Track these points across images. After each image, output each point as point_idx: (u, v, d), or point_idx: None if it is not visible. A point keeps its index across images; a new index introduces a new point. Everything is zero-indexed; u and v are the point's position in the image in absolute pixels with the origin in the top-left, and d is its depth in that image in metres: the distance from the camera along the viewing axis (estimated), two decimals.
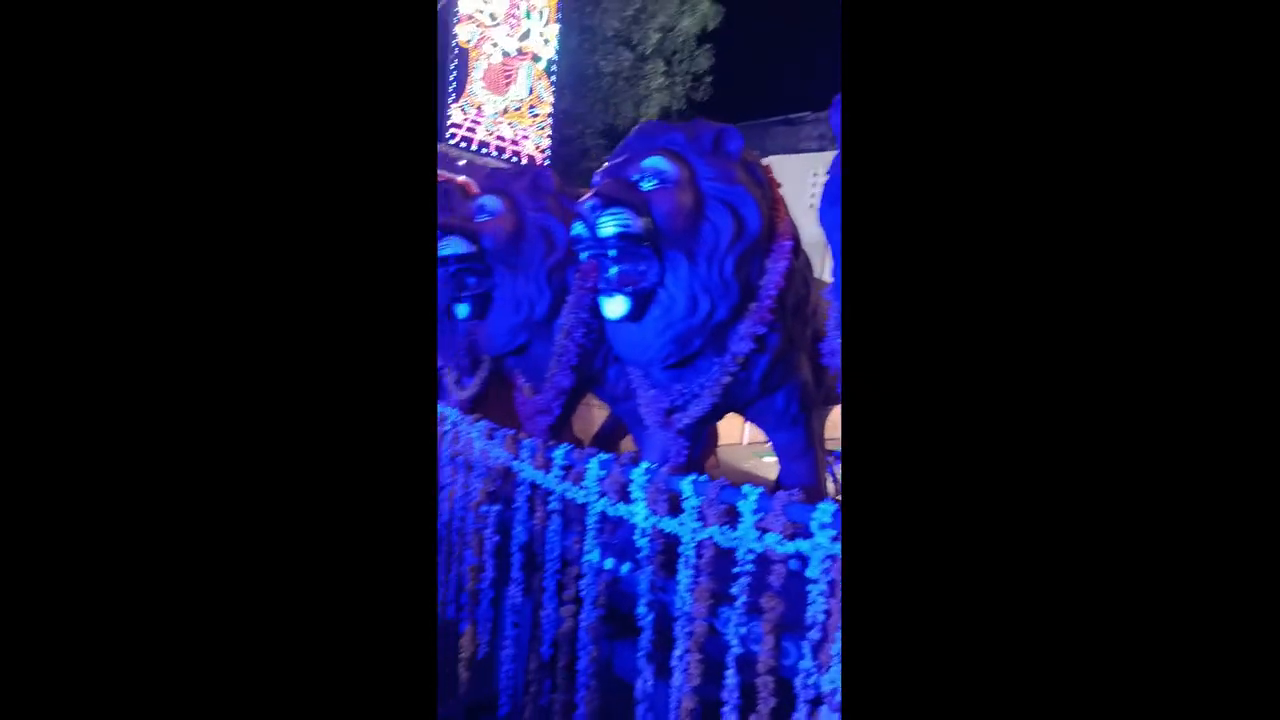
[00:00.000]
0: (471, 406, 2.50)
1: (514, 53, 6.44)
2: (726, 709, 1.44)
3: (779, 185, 1.54)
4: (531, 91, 6.57)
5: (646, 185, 1.41)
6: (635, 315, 1.43)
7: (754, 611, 1.41)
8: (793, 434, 1.64)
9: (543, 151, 6.69)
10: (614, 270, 1.45)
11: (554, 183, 1.94)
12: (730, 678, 1.43)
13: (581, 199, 1.40)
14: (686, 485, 1.52)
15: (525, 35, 6.49)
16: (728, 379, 1.48)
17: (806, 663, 1.28)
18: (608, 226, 1.34)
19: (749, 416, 1.69)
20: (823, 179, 1.39)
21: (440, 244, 1.84)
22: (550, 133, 6.76)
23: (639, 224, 1.36)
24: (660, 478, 1.58)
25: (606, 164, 1.51)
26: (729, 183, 1.41)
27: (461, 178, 2.52)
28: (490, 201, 1.89)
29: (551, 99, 6.74)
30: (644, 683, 1.59)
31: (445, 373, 2.63)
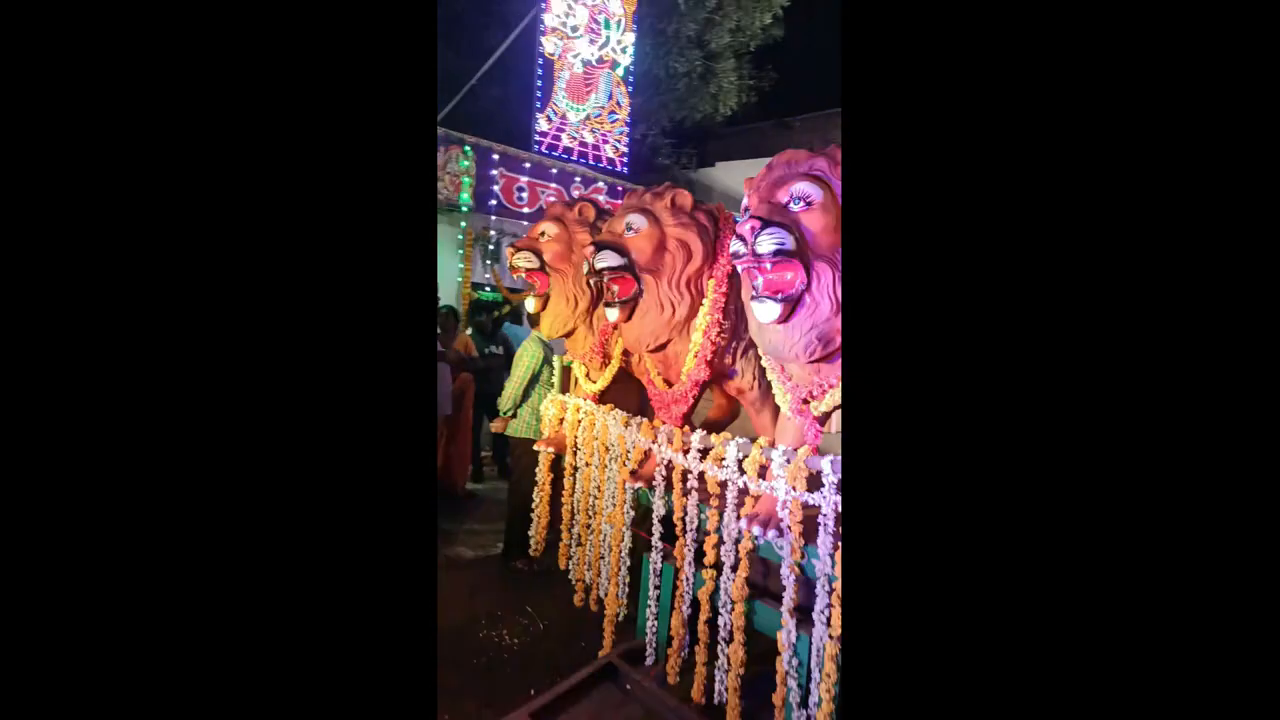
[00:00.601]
0: (600, 398, 2.81)
1: (594, 61, 6.74)
2: None
3: None
4: (611, 98, 6.87)
5: (795, 207, 1.65)
6: (783, 319, 1.68)
7: None
8: None
9: (621, 155, 6.98)
10: (759, 280, 1.69)
11: (689, 201, 2.20)
12: None
13: (741, 221, 1.65)
14: (826, 464, 1.76)
15: (605, 44, 6.79)
16: None
17: None
18: (765, 245, 1.59)
19: None
20: None
21: (596, 257, 2.13)
22: (629, 136, 7.05)
23: (790, 241, 1.60)
24: (799, 458, 1.83)
25: (757, 187, 1.75)
26: None
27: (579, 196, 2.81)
28: (636, 219, 2.17)
29: (629, 104, 7.02)
30: (788, 634, 1.84)
31: (574, 368, 2.95)
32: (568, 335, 2.72)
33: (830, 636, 1.74)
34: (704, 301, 2.17)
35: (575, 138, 6.63)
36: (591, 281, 2.23)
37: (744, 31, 7.71)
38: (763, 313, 1.68)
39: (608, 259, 2.11)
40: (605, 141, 6.86)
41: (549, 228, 2.63)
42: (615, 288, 2.19)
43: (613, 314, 2.20)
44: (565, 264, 2.59)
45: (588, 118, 6.73)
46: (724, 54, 7.71)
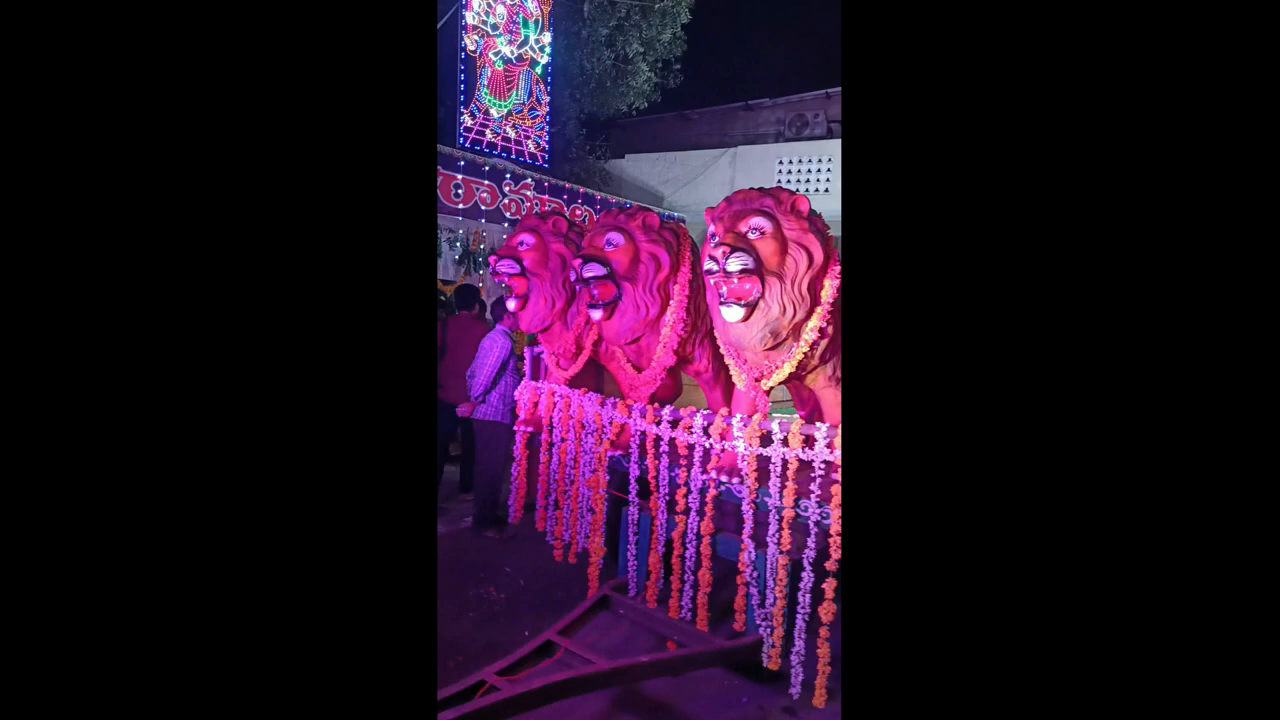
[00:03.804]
0: (571, 383, 3.28)
1: (514, 59, 7.00)
2: (806, 566, 2.29)
3: (828, 228, 2.36)
4: (531, 95, 7.17)
5: (752, 235, 2.21)
6: (745, 319, 2.24)
7: (823, 500, 2.26)
8: (836, 390, 2.50)
9: (543, 150, 7.32)
10: (725, 290, 2.25)
11: (658, 221, 2.71)
12: (812, 544, 2.29)
13: (714, 246, 2.19)
14: (775, 425, 2.36)
15: (524, 43, 7.06)
16: (801, 356, 2.32)
17: None
18: (734, 265, 2.14)
19: (806, 380, 2.53)
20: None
21: (584, 268, 2.60)
22: (548, 132, 7.39)
23: (750, 261, 2.16)
24: (754, 422, 2.42)
25: (722, 218, 2.28)
26: (802, 232, 2.23)
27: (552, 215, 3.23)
28: (615, 236, 2.65)
29: (548, 100, 7.35)
30: (748, 554, 2.44)
31: (547, 358, 3.39)
32: (544, 331, 3.16)
33: (780, 553, 2.36)
34: (670, 303, 2.70)
35: (499, 133, 6.89)
36: (578, 287, 2.69)
37: (650, 43, 8.29)
38: (729, 315, 2.24)
39: (594, 270, 2.59)
40: (527, 137, 7.17)
41: (527, 238, 3.04)
42: (597, 293, 2.67)
43: (596, 314, 2.68)
44: (543, 270, 3.02)
45: (509, 114, 7.00)
46: (634, 59, 8.23)
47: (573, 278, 2.67)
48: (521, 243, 3.04)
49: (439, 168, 5.83)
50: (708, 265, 2.20)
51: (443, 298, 5.66)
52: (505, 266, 3.00)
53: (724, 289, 2.23)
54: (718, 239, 2.21)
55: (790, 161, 9.44)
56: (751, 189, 2.35)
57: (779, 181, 9.12)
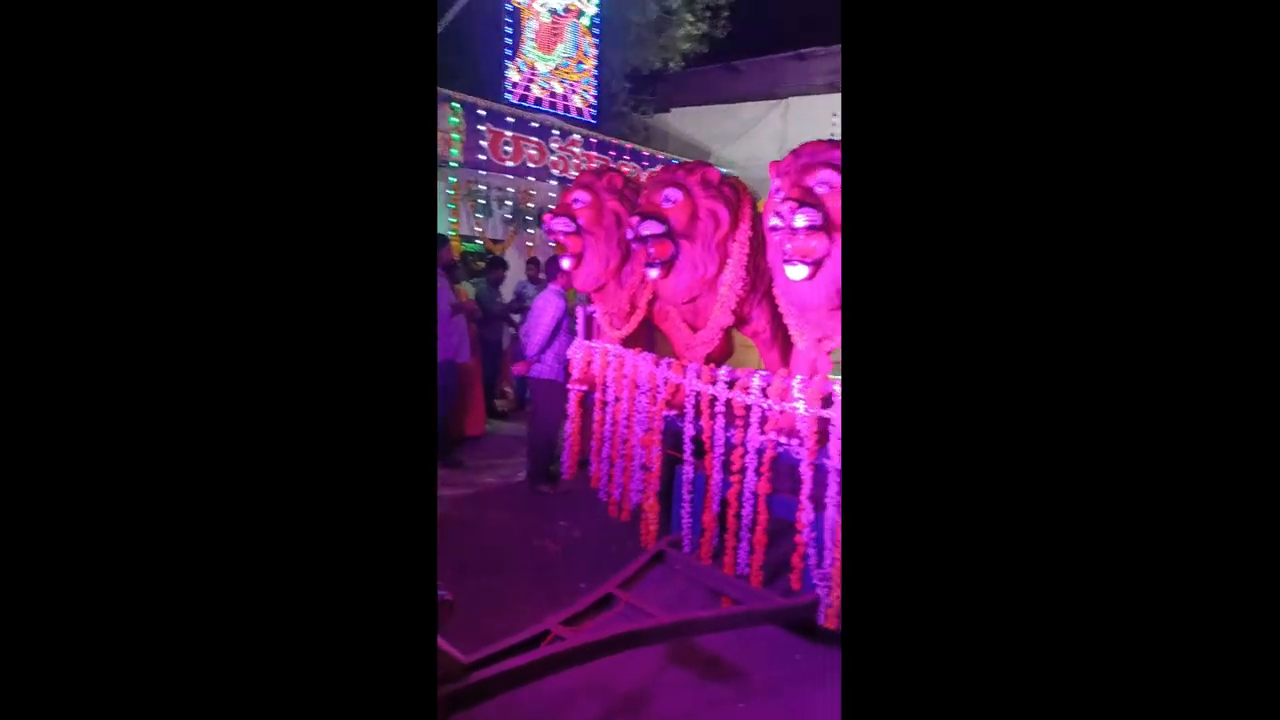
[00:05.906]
0: (624, 343, 3.27)
1: (561, 11, 6.83)
2: None
3: None
4: (578, 48, 7.00)
5: (820, 190, 2.12)
6: (810, 278, 2.18)
7: None
8: None
9: (589, 105, 7.18)
10: (789, 246, 2.18)
11: (717, 176, 2.64)
12: None
13: (780, 201, 2.12)
14: (837, 386, 2.31)
15: None
16: None
17: None
18: (800, 221, 2.07)
19: None
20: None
21: (640, 226, 2.56)
22: (595, 86, 7.23)
23: (818, 217, 2.09)
24: (816, 382, 2.37)
25: (788, 172, 2.20)
26: None
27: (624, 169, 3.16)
28: (673, 192, 2.59)
29: (596, 53, 7.17)
30: (806, 514, 2.43)
31: (600, 317, 3.39)
32: (598, 290, 3.15)
33: (840, 514, 2.34)
34: (729, 261, 2.64)
35: (545, 88, 6.78)
36: (634, 246, 2.66)
37: None
38: (794, 273, 2.18)
39: (650, 227, 2.55)
40: (574, 92, 7.03)
41: (581, 195, 3.01)
42: (654, 251, 2.63)
43: (653, 273, 2.64)
44: (598, 228, 2.99)
45: (556, 68, 6.87)
46: (678, 9, 7.93)
47: (629, 236, 2.63)
48: (576, 200, 3.00)
49: (489, 125, 5.79)
50: (772, 221, 2.14)
51: (490, 257, 5.70)
52: (560, 224, 2.98)
53: (789, 246, 2.17)
54: (783, 194, 2.14)
55: None
56: (819, 141, 2.25)
57: (833, 135, 8.76)
